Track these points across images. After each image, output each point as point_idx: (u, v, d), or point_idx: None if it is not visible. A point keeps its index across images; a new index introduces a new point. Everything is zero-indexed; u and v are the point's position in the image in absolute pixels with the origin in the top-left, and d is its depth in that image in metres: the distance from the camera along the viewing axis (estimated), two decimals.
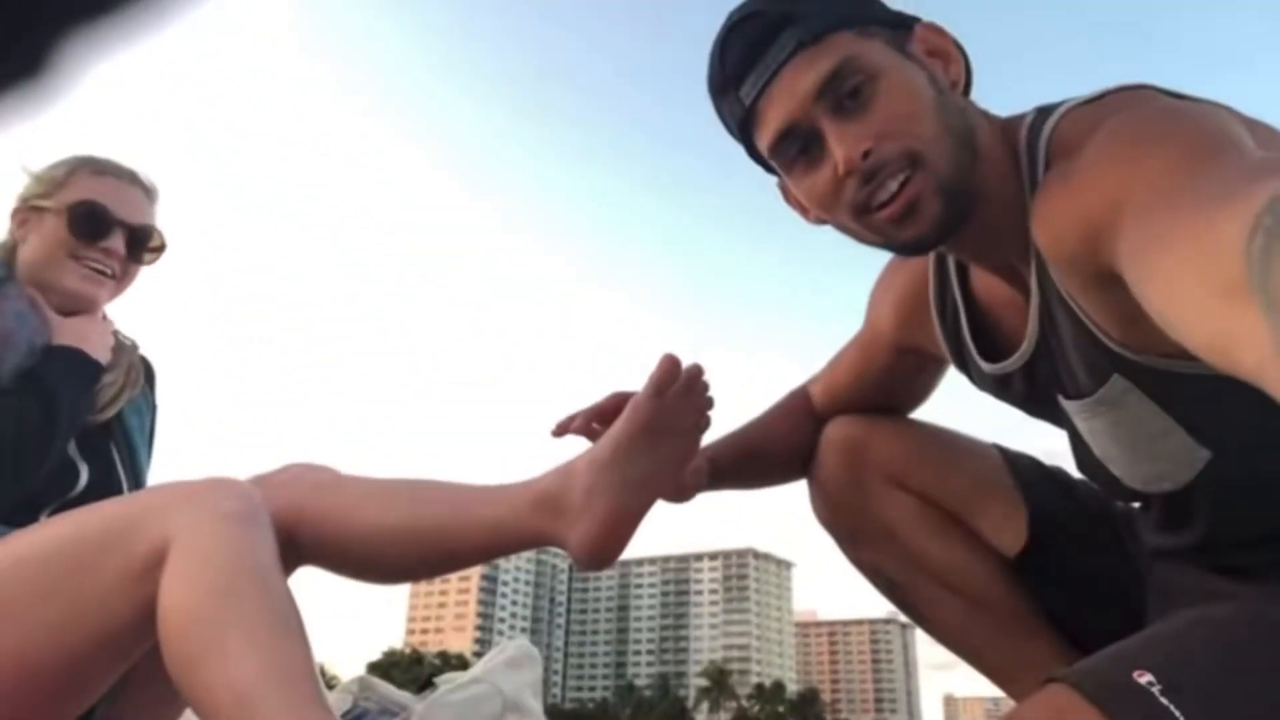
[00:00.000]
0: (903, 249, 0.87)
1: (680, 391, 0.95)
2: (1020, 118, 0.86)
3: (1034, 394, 0.96)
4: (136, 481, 1.33)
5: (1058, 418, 0.97)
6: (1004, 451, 1.18)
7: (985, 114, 0.88)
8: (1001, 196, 0.83)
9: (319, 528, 1.02)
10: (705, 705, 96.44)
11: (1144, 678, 0.70)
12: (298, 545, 1.01)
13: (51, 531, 0.90)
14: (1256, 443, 0.80)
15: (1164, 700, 0.68)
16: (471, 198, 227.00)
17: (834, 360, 1.28)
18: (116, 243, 1.29)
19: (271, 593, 0.82)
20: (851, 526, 1.20)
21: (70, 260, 1.27)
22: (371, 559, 1.04)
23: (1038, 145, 0.80)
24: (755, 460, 1.27)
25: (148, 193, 1.37)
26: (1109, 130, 0.72)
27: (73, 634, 0.84)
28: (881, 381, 1.20)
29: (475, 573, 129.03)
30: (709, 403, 0.99)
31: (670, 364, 0.94)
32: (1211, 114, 0.69)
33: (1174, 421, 0.81)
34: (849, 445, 1.17)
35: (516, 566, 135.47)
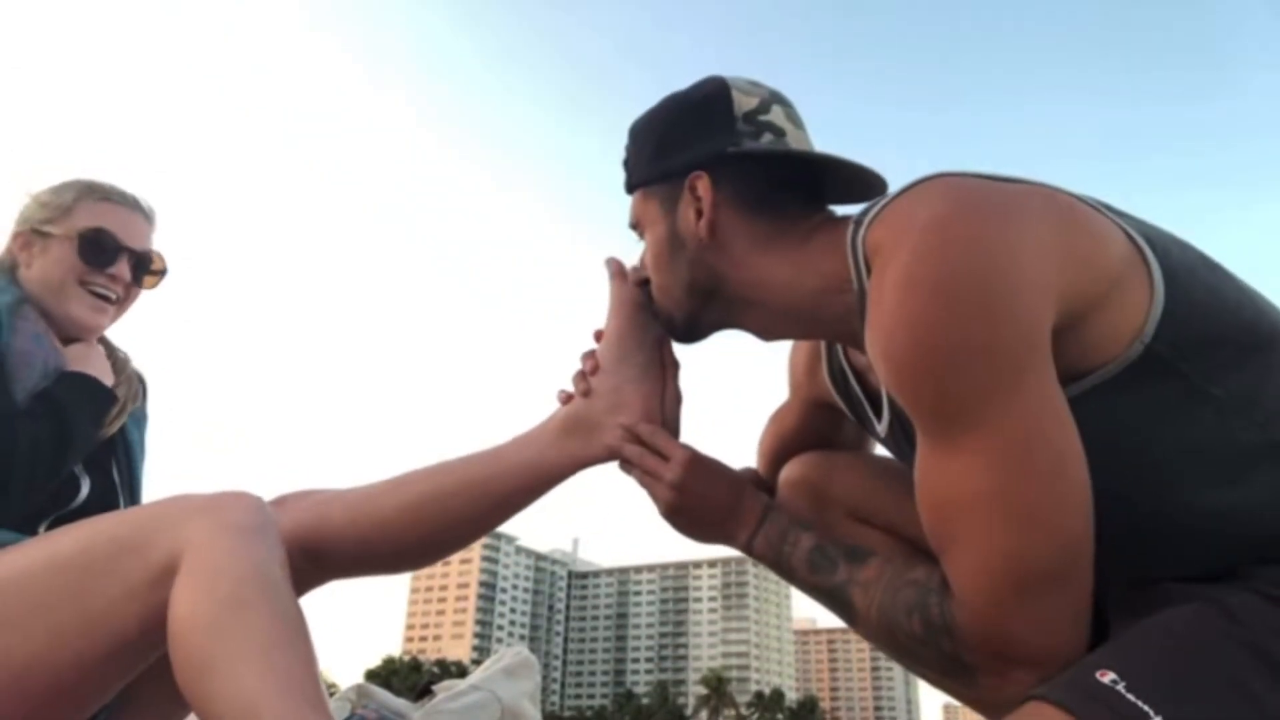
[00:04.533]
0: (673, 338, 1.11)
1: (635, 274, 1.13)
2: (849, 219, 0.93)
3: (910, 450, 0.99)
4: (133, 494, 1.36)
5: None
6: None
7: (781, 231, 0.97)
8: (796, 291, 0.96)
9: (347, 529, 1.04)
10: (704, 713, 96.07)
11: (1107, 677, 0.71)
12: (324, 557, 1.03)
13: (66, 539, 0.92)
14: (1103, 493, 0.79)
15: (1130, 696, 0.69)
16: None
17: (759, 443, 1.31)
18: (123, 269, 1.33)
19: (279, 603, 0.83)
20: None
21: (78, 287, 1.30)
22: (407, 537, 1.06)
23: (858, 252, 0.89)
24: None
25: (148, 218, 1.41)
26: (900, 291, 0.79)
27: (84, 639, 0.86)
28: (807, 441, 1.23)
29: (474, 580, 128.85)
30: None
31: (614, 260, 1.16)
32: (993, 281, 0.75)
33: None
34: (806, 484, 1.18)
35: (515, 574, 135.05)
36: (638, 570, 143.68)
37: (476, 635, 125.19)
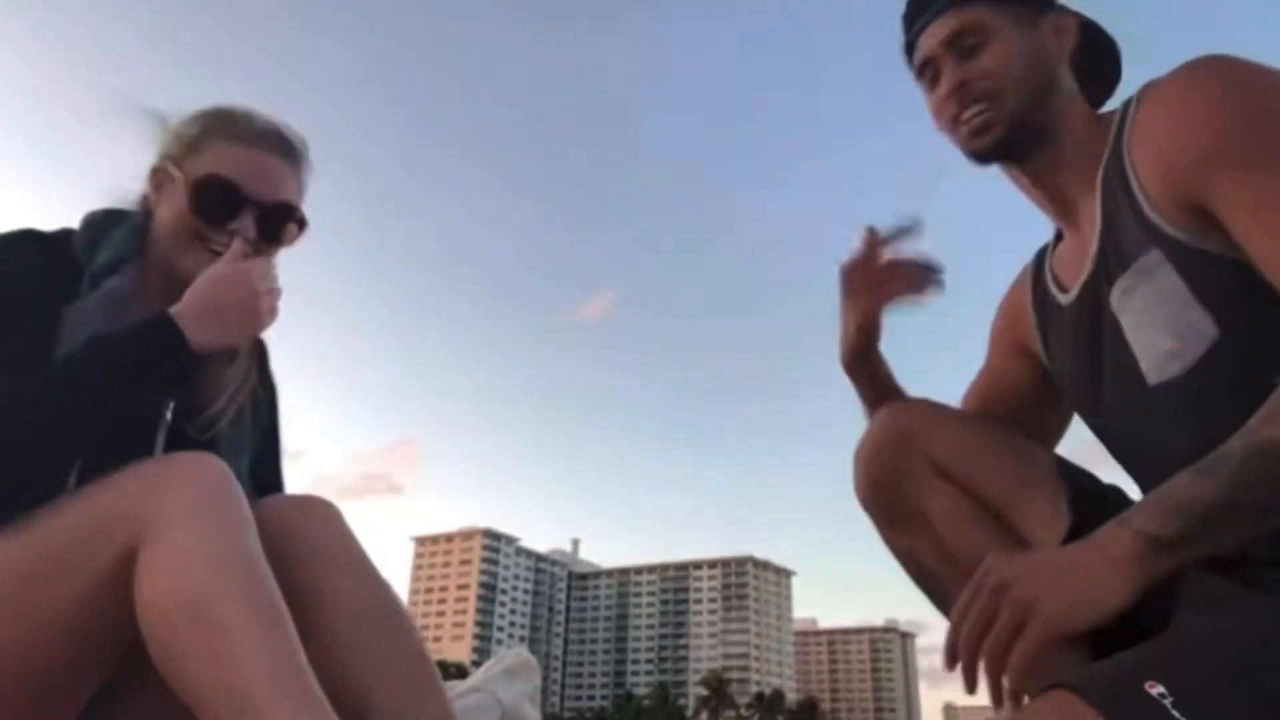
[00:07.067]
0: (974, 156, 1.13)
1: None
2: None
3: (1093, 313, 1.08)
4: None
5: (1100, 346, 1.08)
6: (1060, 459, 1.21)
7: (1081, 93, 1.15)
8: (1078, 140, 1.09)
9: (302, 589, 0.91)
10: (704, 714, 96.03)
11: (1155, 689, 0.69)
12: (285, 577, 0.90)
13: (21, 539, 0.87)
14: (1256, 331, 0.92)
15: (1176, 713, 0.67)
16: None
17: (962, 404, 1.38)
18: (246, 224, 1.13)
19: (256, 585, 0.79)
20: (891, 510, 1.24)
21: (195, 242, 1.12)
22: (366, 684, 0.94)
23: (1130, 101, 1.06)
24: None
25: (288, 157, 1.19)
26: (1191, 65, 0.97)
27: (49, 639, 0.83)
28: (1001, 392, 1.31)
29: (473, 581, 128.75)
30: None
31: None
32: None
33: (1194, 296, 0.95)
34: (898, 432, 1.23)
35: (515, 575, 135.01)
36: (638, 571, 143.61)
37: (476, 636, 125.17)
